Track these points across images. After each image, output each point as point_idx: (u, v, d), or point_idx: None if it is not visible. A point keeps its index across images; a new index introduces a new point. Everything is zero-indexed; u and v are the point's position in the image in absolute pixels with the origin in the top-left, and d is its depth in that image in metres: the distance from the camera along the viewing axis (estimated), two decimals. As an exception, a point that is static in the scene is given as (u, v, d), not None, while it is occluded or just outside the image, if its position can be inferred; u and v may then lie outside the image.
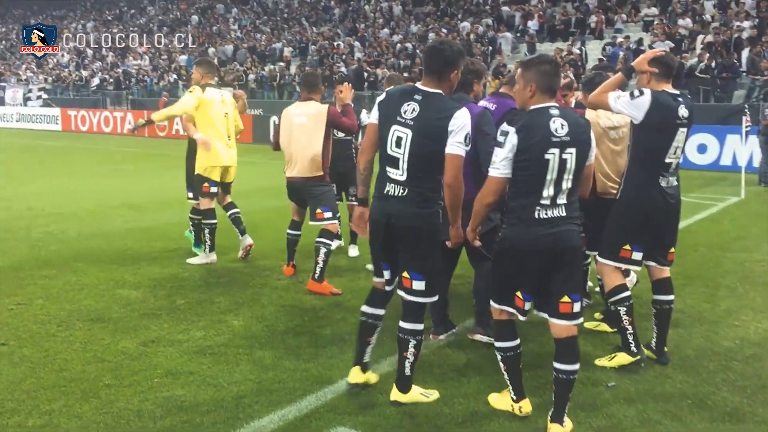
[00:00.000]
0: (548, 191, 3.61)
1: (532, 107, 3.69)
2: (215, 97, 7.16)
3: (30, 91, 37.72)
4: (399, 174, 3.86)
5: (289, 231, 6.95)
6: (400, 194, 3.87)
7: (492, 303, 3.96)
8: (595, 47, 24.15)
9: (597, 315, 5.71)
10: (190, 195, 7.68)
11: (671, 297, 4.80)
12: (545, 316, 3.83)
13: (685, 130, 4.49)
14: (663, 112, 4.38)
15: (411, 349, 4.01)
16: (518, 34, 27.44)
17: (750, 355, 4.95)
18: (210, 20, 43.04)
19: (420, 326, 4.03)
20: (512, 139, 3.59)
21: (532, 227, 3.62)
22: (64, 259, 7.37)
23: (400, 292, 4.03)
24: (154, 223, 9.65)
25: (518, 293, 3.79)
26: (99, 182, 14.27)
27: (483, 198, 3.75)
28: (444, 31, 29.04)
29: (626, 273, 5.97)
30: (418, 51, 27.60)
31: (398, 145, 3.83)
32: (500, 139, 3.66)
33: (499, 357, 3.97)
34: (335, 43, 31.61)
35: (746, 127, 12.58)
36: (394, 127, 3.85)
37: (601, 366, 4.68)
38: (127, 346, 4.93)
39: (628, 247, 4.59)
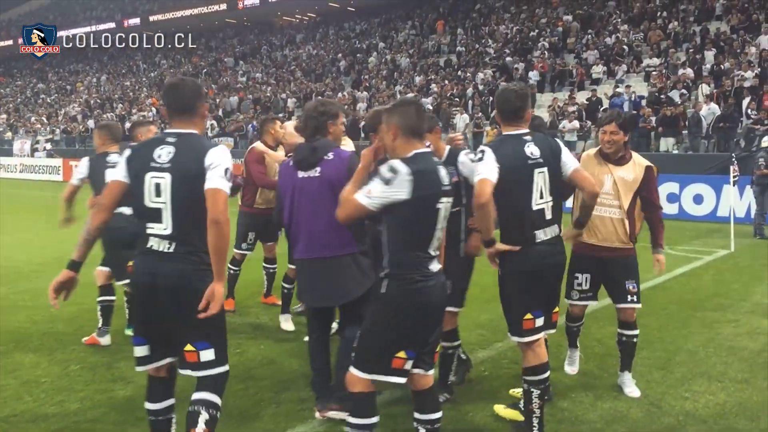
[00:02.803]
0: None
1: None
2: None
3: (38, 142, 38.06)
4: (163, 228, 3.28)
5: (265, 265, 7.39)
6: (165, 250, 3.28)
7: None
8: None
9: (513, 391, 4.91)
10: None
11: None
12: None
13: (543, 170, 3.98)
14: (506, 160, 3.88)
15: (201, 426, 3.24)
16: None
17: (691, 436, 4.34)
18: (219, 72, 43.53)
19: (217, 399, 3.34)
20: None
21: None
22: (-27, 319, 6.89)
23: (185, 372, 3.38)
24: (99, 277, 9.14)
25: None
26: (67, 234, 13.73)
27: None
28: (446, 82, 28.98)
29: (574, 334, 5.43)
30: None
31: (158, 193, 3.29)
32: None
33: None
34: (339, 94, 31.57)
35: (734, 176, 12.00)
36: (150, 174, 3.31)
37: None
38: (-16, 420, 4.43)
39: (529, 316, 4.01)
